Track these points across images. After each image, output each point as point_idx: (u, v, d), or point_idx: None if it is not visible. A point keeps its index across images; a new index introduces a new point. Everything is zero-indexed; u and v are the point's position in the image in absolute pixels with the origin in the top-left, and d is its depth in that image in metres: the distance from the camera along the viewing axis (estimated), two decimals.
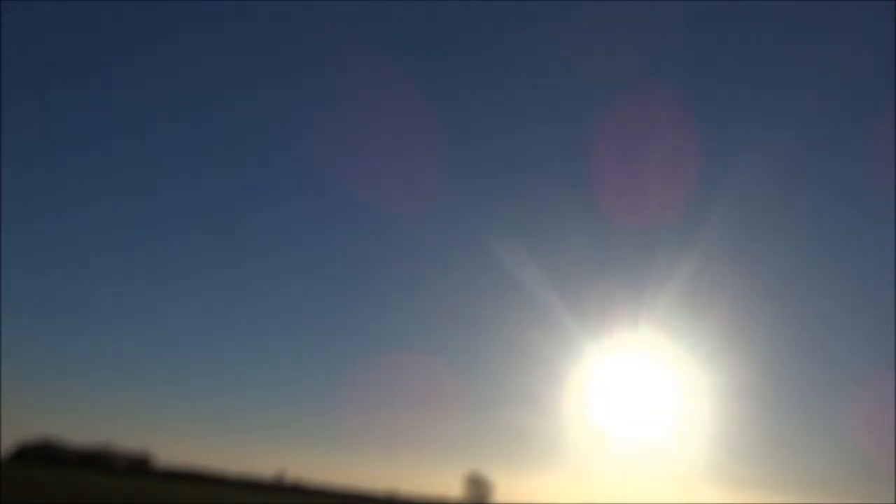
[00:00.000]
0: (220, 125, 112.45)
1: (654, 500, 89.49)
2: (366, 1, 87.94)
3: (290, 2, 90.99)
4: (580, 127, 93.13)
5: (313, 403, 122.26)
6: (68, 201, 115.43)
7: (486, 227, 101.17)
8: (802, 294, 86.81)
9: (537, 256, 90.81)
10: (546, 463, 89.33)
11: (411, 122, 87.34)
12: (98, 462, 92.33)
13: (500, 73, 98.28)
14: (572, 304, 71.81)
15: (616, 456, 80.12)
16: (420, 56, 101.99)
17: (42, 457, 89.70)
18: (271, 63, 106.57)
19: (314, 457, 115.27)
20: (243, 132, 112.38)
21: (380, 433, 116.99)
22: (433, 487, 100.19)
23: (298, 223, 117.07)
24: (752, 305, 75.41)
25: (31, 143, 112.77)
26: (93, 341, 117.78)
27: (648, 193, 73.45)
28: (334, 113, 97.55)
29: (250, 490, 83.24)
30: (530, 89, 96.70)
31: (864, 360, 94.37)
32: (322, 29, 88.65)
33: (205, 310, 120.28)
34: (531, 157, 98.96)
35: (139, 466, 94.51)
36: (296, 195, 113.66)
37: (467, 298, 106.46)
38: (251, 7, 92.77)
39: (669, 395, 74.90)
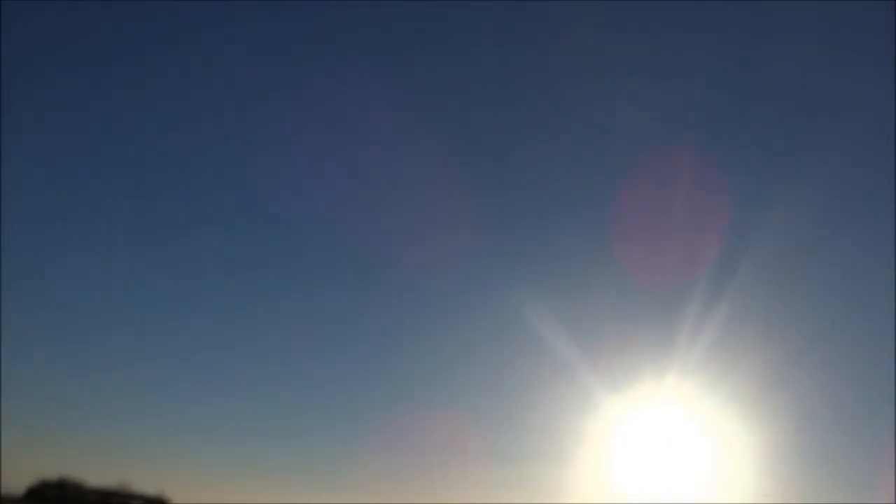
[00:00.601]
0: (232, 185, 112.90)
1: None
2: (384, 53, 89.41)
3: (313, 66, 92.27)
4: (605, 182, 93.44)
5: (334, 455, 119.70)
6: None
7: (508, 281, 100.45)
8: (838, 351, 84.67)
9: (560, 311, 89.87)
10: None
11: (435, 175, 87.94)
12: (115, 503, 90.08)
13: (525, 126, 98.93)
14: (594, 359, 70.75)
15: None
16: (446, 107, 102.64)
17: (57, 497, 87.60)
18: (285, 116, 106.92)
19: None
20: (254, 187, 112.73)
21: (400, 486, 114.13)
22: None
23: (314, 274, 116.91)
24: (785, 361, 73.48)
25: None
26: (112, 379, 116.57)
27: (673, 251, 72.96)
28: (350, 162, 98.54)
29: None
30: (556, 144, 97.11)
31: None
32: (342, 81, 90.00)
33: (230, 355, 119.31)
34: (555, 212, 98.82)
35: None
36: (309, 246, 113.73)
37: (488, 352, 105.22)
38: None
39: (694, 453, 72.07)
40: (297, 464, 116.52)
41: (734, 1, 78.84)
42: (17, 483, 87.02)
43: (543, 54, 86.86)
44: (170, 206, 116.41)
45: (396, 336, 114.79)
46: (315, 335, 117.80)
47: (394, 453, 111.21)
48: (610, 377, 67.45)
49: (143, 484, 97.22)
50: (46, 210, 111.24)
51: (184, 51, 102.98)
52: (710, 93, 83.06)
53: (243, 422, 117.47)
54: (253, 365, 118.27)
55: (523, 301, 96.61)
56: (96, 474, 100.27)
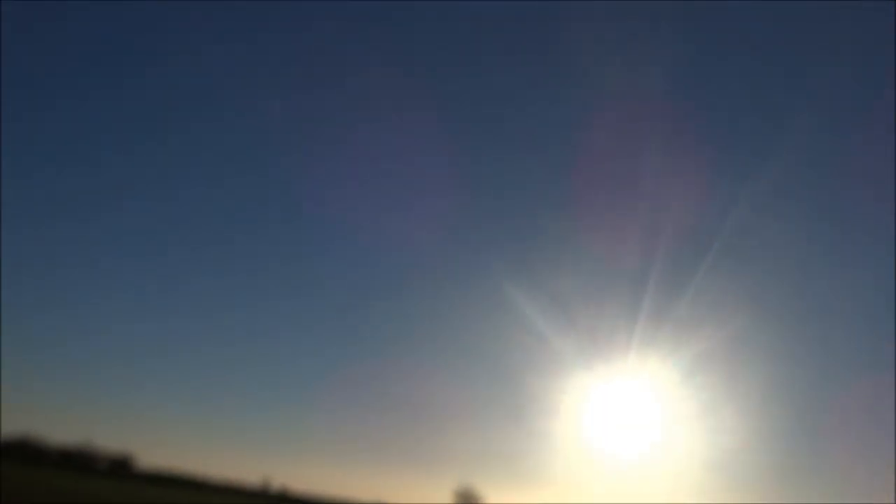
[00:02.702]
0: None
1: None
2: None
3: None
4: (571, 150, 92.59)
5: (301, 410, 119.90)
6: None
7: (485, 248, 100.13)
8: (800, 322, 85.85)
9: (534, 281, 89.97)
10: (536, 481, 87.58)
11: (402, 143, 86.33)
12: (78, 462, 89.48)
13: (491, 88, 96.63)
14: (567, 329, 71.33)
15: (606, 476, 79.33)
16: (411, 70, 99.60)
17: (19, 455, 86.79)
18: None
19: (301, 466, 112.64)
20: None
21: (369, 443, 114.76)
22: (422, 500, 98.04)
23: (296, 237, 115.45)
24: (747, 331, 74.40)
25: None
26: (76, 337, 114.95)
27: (640, 222, 72.72)
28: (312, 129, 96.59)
29: (234, 496, 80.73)
30: (522, 101, 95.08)
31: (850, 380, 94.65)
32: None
33: (196, 311, 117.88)
34: (524, 178, 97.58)
35: (120, 468, 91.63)
36: (272, 214, 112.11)
37: (465, 314, 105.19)
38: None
39: (660, 419, 74.85)
40: (264, 420, 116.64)
41: None
42: None
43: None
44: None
45: (368, 292, 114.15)
46: (287, 289, 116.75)
47: (363, 408, 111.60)
48: (582, 349, 67.85)
49: (107, 443, 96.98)
50: None
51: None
52: (685, 55, 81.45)
53: (210, 380, 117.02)
54: (224, 318, 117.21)
55: (497, 269, 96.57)
56: (58, 433, 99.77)
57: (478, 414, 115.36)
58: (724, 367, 76.69)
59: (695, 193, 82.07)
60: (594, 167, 77.42)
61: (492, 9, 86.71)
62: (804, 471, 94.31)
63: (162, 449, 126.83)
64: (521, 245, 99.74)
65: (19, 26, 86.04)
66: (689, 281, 78.51)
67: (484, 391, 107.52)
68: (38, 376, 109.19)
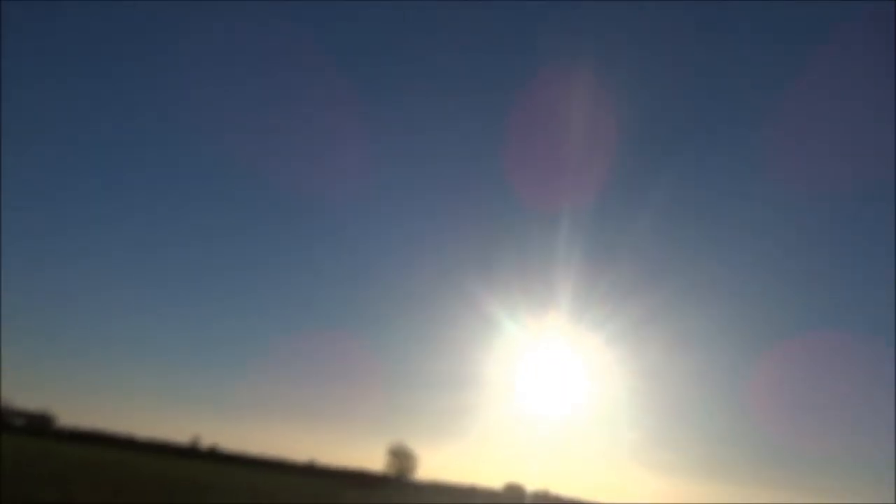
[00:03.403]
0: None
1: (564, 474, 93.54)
2: None
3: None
4: (500, 99, 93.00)
5: (233, 374, 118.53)
6: None
7: (408, 209, 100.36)
8: (711, 281, 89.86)
9: (459, 240, 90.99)
10: (468, 439, 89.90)
11: (330, 98, 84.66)
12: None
13: (419, 41, 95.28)
14: (497, 291, 72.71)
15: (533, 433, 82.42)
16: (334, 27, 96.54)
17: None
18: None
19: (232, 425, 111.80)
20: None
21: (300, 405, 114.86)
22: (355, 459, 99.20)
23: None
24: (660, 293, 77.61)
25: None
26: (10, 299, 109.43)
27: (563, 176, 74.11)
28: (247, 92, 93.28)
29: (162, 454, 79.31)
30: (453, 57, 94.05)
31: (763, 340, 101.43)
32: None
33: (127, 268, 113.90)
34: (449, 138, 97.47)
35: (39, 426, 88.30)
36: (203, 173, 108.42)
37: (389, 280, 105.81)
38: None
39: (583, 376, 78.04)
40: (193, 379, 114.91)
41: None
42: None
43: None
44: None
45: (293, 261, 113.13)
46: (218, 253, 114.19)
47: (293, 373, 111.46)
48: (512, 309, 69.16)
49: (26, 401, 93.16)
50: None
51: None
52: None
53: (141, 337, 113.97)
54: (156, 277, 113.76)
55: (424, 229, 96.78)
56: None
57: (409, 377, 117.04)
58: (655, 332, 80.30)
59: (621, 162, 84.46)
60: (525, 135, 78.26)
61: None
62: (728, 437, 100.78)
63: (83, 408, 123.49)
64: (452, 216, 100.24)
65: None
66: (619, 248, 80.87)
67: (415, 356, 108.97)
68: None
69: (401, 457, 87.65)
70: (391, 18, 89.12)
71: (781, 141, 76.12)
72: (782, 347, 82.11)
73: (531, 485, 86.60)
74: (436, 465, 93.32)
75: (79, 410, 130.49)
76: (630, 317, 70.67)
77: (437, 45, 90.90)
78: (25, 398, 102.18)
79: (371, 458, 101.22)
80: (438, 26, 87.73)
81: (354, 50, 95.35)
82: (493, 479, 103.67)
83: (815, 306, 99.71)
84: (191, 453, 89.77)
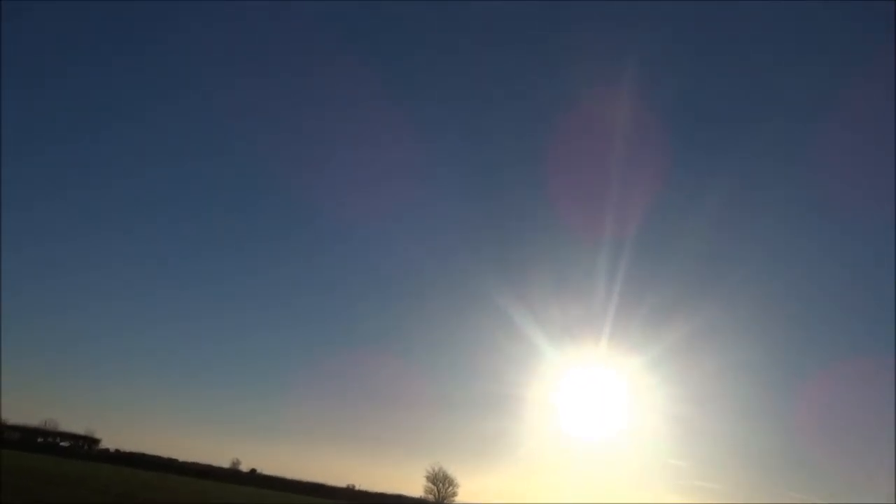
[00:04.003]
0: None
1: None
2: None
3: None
4: (543, 136, 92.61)
5: (274, 397, 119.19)
6: None
7: (458, 241, 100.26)
8: (752, 307, 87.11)
9: (507, 271, 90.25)
10: (508, 463, 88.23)
11: (376, 126, 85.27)
12: (41, 442, 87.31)
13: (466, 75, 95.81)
14: (538, 317, 72.02)
15: (575, 457, 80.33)
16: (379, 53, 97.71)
17: None
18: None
19: (272, 448, 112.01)
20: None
21: (341, 428, 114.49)
22: (395, 484, 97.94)
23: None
24: (705, 320, 75.48)
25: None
26: (38, 319, 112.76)
27: (606, 203, 73.13)
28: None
29: (203, 477, 79.41)
30: (498, 87, 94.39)
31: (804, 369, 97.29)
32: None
33: (172, 294, 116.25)
34: (499, 169, 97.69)
35: (84, 448, 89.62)
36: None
37: (431, 303, 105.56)
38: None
39: (627, 404, 76.04)
40: (237, 404, 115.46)
41: None
42: None
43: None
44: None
45: (346, 284, 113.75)
46: (264, 277, 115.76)
47: (338, 396, 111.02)
48: (552, 334, 68.41)
49: (70, 424, 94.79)
50: None
51: None
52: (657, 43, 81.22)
53: (180, 367, 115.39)
54: (192, 311, 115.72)
55: (468, 253, 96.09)
56: (21, 413, 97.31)
57: (450, 401, 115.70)
58: (692, 357, 77.94)
59: (664, 186, 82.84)
60: (568, 162, 77.51)
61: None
62: (771, 460, 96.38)
63: (128, 431, 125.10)
64: (495, 242, 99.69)
65: None
66: (660, 273, 78.73)
67: (456, 379, 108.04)
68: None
69: (440, 481, 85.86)
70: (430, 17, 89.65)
71: (829, 166, 73.75)
72: (827, 373, 78.84)
73: None
74: (475, 489, 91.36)
75: (122, 433, 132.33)
76: (670, 341, 68.89)
77: (479, 56, 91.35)
78: (70, 420, 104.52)
79: (410, 482, 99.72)
80: (486, 44, 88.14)
81: (404, 76, 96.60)
82: None
83: (857, 332, 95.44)
84: (231, 476, 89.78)
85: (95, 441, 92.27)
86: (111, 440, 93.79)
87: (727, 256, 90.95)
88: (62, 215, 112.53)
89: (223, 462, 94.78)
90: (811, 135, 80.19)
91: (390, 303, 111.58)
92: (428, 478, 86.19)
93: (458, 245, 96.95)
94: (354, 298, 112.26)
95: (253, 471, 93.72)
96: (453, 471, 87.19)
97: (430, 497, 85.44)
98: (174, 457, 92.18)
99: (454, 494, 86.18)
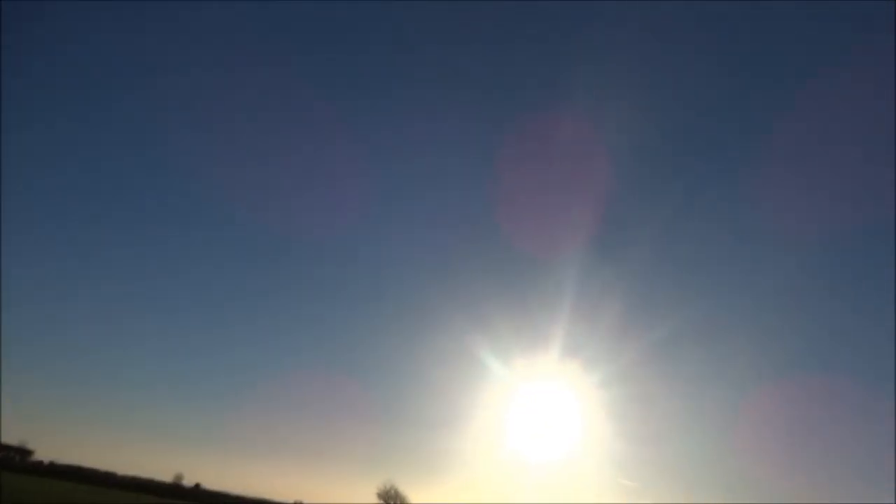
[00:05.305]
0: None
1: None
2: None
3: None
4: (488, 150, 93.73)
5: (220, 411, 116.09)
6: None
7: (399, 255, 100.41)
8: (695, 321, 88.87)
9: (448, 282, 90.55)
10: (458, 479, 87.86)
11: (328, 149, 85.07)
12: None
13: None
14: (489, 334, 72.27)
15: (525, 474, 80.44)
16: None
17: None
18: None
19: (217, 463, 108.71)
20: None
21: (288, 444, 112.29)
22: (344, 500, 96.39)
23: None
24: (648, 331, 76.63)
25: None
26: None
27: (554, 220, 74.13)
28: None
29: (146, 492, 76.52)
30: (446, 106, 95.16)
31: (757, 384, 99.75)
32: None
33: (113, 302, 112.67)
34: (437, 180, 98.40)
35: (16, 459, 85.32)
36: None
37: (379, 321, 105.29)
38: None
39: (578, 422, 76.59)
40: (178, 418, 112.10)
41: None
42: None
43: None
44: None
45: (283, 300, 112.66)
46: (209, 292, 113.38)
47: (284, 412, 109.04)
48: (503, 352, 68.55)
49: (1, 434, 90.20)
50: None
51: None
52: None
53: (121, 378, 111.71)
54: (135, 320, 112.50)
55: (414, 271, 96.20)
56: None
57: (400, 418, 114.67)
58: (645, 374, 78.97)
59: (608, 202, 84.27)
60: (513, 175, 78.33)
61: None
62: (726, 479, 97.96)
63: (65, 444, 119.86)
64: (445, 260, 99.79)
65: None
66: (611, 292, 79.90)
67: (406, 396, 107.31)
68: None
69: (392, 498, 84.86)
70: (386, 60, 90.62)
71: (776, 178, 76.25)
72: (769, 389, 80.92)
73: None
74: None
75: (58, 444, 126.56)
76: (624, 360, 69.79)
77: (430, 83, 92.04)
78: (6, 432, 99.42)
79: (361, 498, 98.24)
80: (431, 67, 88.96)
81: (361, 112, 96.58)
82: None
83: (806, 348, 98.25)
84: (174, 491, 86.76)
85: (28, 452, 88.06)
86: (45, 452, 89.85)
87: (677, 273, 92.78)
88: None
89: (166, 476, 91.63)
90: (764, 144, 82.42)
91: (340, 320, 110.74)
92: (379, 494, 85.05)
93: (403, 263, 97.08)
94: (304, 316, 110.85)
95: (197, 486, 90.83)
96: (404, 487, 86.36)
97: None
98: (113, 470, 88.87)
99: None
